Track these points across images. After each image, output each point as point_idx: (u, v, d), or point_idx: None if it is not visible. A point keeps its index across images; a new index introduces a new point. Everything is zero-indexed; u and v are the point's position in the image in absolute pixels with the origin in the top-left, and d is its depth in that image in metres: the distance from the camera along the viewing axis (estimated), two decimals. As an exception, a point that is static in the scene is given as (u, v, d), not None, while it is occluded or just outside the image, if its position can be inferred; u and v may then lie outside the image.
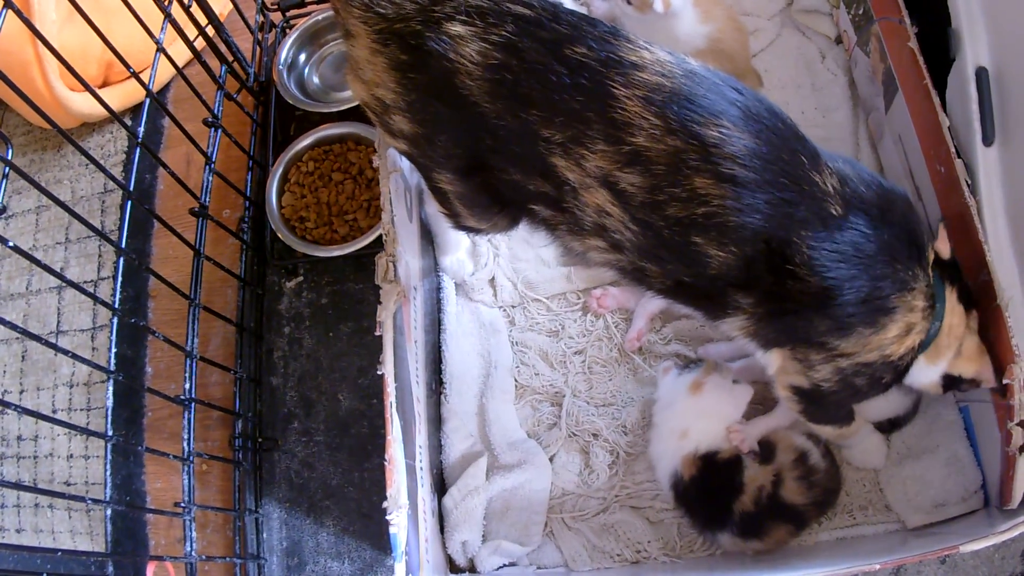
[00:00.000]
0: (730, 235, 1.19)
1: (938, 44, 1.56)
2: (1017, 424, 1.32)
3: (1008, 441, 1.34)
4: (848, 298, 1.23)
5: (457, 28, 1.18)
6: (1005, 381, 1.33)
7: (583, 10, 1.72)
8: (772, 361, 1.40)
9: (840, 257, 1.21)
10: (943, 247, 1.39)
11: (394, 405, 1.36)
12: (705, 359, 1.66)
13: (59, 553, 1.76)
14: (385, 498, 1.31)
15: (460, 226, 1.53)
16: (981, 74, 1.49)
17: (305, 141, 2.10)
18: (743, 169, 1.15)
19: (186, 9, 1.90)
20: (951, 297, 1.34)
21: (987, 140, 1.48)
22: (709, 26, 1.85)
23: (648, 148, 1.15)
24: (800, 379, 1.38)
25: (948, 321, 1.34)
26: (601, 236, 1.29)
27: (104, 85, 2.25)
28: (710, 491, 1.56)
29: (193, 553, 1.68)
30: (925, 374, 1.39)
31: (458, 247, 1.88)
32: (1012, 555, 1.65)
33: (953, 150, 1.44)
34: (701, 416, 1.59)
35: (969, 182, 1.43)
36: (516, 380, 1.85)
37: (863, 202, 1.25)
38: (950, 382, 1.39)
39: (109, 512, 1.80)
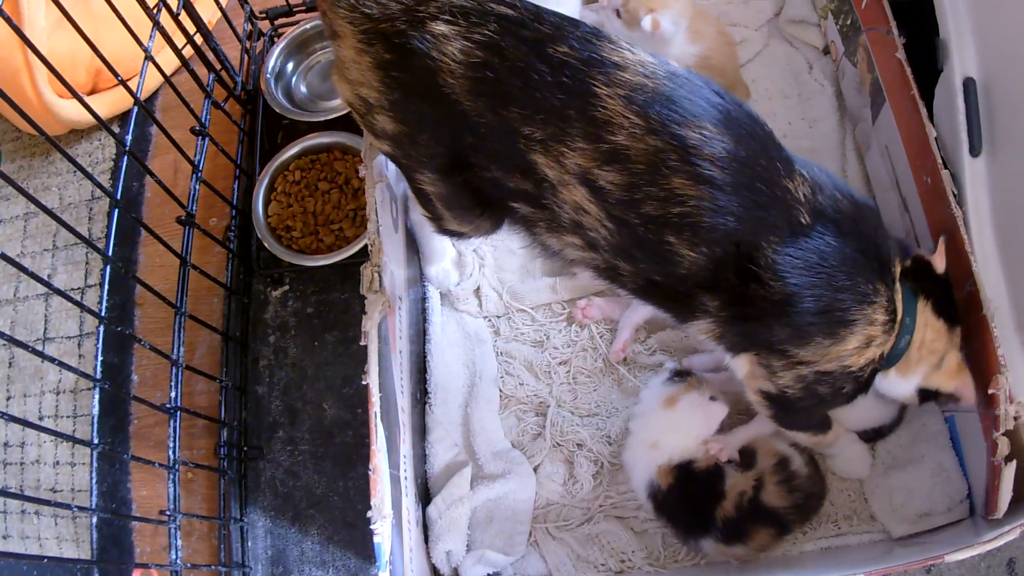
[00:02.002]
0: (703, 236, 1.20)
1: (926, 55, 1.56)
2: (1002, 434, 1.32)
3: (994, 451, 1.34)
4: (807, 307, 1.23)
5: (441, 27, 1.18)
6: (990, 391, 1.33)
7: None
8: (740, 366, 1.41)
9: (803, 265, 1.22)
10: (939, 262, 1.39)
11: (379, 415, 1.36)
12: (692, 375, 1.65)
13: (45, 560, 1.76)
14: (369, 507, 1.31)
15: (443, 230, 1.53)
16: (969, 85, 1.49)
17: (292, 150, 2.10)
18: (721, 171, 1.16)
19: (175, 17, 1.90)
20: (924, 311, 1.35)
21: (974, 151, 1.48)
22: (699, 46, 1.86)
23: (628, 147, 1.16)
24: (767, 384, 1.39)
25: (920, 335, 1.35)
26: (577, 234, 1.30)
27: (93, 92, 2.24)
28: (690, 499, 1.56)
29: (178, 561, 1.68)
30: (899, 387, 1.40)
31: (443, 257, 1.87)
32: (998, 564, 1.65)
33: (940, 161, 1.45)
34: (670, 430, 1.59)
35: (956, 193, 1.43)
36: (501, 390, 1.85)
37: (833, 212, 1.26)
38: (926, 395, 1.40)
39: (95, 519, 1.79)
